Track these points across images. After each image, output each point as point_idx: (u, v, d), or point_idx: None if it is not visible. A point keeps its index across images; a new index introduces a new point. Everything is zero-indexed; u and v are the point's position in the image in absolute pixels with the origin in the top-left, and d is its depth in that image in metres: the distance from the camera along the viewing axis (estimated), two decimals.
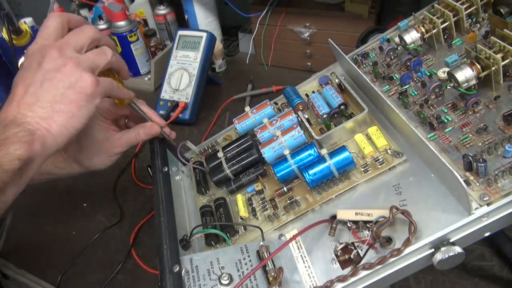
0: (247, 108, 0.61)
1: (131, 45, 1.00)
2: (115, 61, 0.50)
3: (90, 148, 0.55)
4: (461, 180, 0.37)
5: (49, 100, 0.44)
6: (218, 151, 0.58)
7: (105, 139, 0.56)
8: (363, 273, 0.40)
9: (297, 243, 0.46)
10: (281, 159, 0.51)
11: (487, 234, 0.40)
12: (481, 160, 0.40)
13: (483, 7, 0.54)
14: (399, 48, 0.59)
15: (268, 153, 0.52)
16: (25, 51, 0.48)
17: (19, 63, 0.93)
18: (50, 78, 0.44)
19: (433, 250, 0.39)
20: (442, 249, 0.39)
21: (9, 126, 0.41)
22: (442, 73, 0.50)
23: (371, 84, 0.50)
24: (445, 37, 0.55)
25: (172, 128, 0.61)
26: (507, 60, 0.45)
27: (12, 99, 0.44)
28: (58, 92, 0.44)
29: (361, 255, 0.41)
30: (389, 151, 0.48)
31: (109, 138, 0.56)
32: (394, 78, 0.55)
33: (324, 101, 0.56)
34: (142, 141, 0.59)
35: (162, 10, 1.07)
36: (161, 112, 0.87)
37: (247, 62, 1.09)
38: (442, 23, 0.54)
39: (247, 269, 0.42)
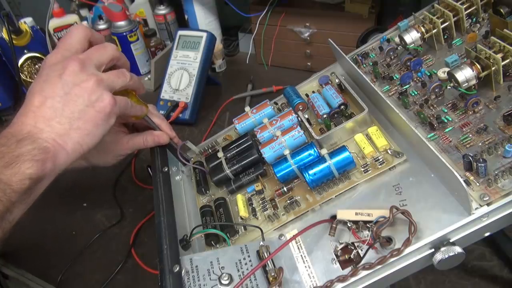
0: (247, 108, 0.61)
1: (131, 45, 1.00)
2: (132, 84, 0.51)
3: (99, 148, 0.55)
4: (461, 180, 0.37)
5: (68, 116, 0.43)
6: (218, 151, 0.58)
7: (114, 141, 0.57)
8: (363, 273, 0.40)
9: (297, 243, 0.46)
10: (281, 159, 0.51)
11: (487, 234, 0.40)
12: (481, 160, 0.40)
13: (483, 7, 0.54)
14: (399, 48, 0.59)
15: (268, 153, 0.52)
16: (42, 57, 0.48)
17: (19, 63, 0.93)
18: (70, 92, 0.44)
19: (433, 250, 0.39)
20: (442, 249, 0.39)
21: (23, 141, 0.40)
22: (442, 73, 0.50)
23: (371, 84, 0.50)
24: (445, 37, 0.55)
25: (172, 128, 0.61)
26: (507, 60, 0.45)
27: (28, 110, 0.43)
28: (77, 109, 0.44)
29: (361, 255, 0.41)
30: (389, 151, 0.48)
31: (118, 140, 0.57)
32: (394, 78, 0.55)
33: (324, 101, 0.56)
34: (149, 147, 0.60)
35: (162, 10, 1.07)
36: (161, 112, 0.87)
37: (247, 62, 1.09)
38: (442, 23, 0.54)
39: (247, 269, 0.42)
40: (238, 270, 0.42)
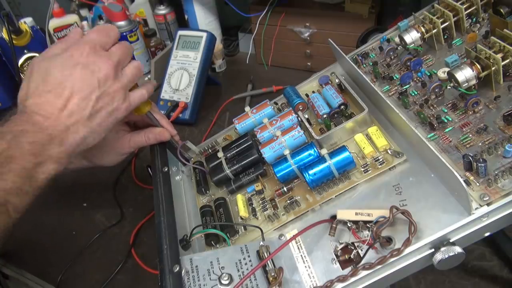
0: (247, 108, 0.61)
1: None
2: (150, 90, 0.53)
3: (101, 148, 0.56)
4: (461, 180, 0.37)
5: (95, 119, 0.46)
6: (218, 151, 0.58)
7: (115, 139, 0.57)
8: (363, 273, 0.40)
9: (297, 243, 0.46)
10: (281, 159, 0.51)
11: (487, 234, 0.40)
12: (481, 160, 0.40)
13: (483, 7, 0.54)
14: (399, 48, 0.59)
15: (268, 153, 0.52)
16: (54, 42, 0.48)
17: (19, 63, 0.93)
18: (102, 97, 0.46)
19: (433, 250, 0.39)
20: (442, 249, 0.39)
21: (53, 141, 0.43)
22: (442, 73, 0.50)
23: (371, 84, 0.50)
24: (445, 37, 0.55)
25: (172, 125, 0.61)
26: (507, 60, 0.45)
27: (62, 105, 0.44)
28: (103, 115, 0.46)
29: (361, 255, 0.41)
30: (389, 151, 0.48)
31: (120, 138, 0.57)
32: (394, 78, 0.55)
33: (324, 101, 0.56)
34: (151, 144, 0.60)
35: (162, 10, 1.07)
36: (161, 112, 0.87)
37: (247, 62, 1.09)
38: (442, 23, 0.54)
39: (247, 269, 0.42)
40: (238, 270, 0.42)
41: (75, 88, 0.44)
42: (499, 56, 0.45)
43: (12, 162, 0.39)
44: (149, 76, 1.03)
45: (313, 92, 0.60)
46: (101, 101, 0.46)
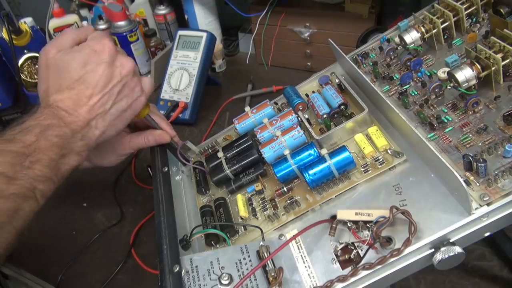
0: (247, 108, 0.61)
1: (131, 45, 1.00)
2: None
3: (101, 149, 0.56)
4: (461, 180, 0.37)
5: (113, 113, 0.48)
6: (218, 151, 0.58)
7: (116, 140, 0.57)
8: (363, 273, 0.40)
9: (297, 243, 0.46)
10: (281, 159, 0.51)
11: (487, 234, 0.40)
12: (481, 160, 0.40)
13: (483, 7, 0.54)
14: (399, 48, 0.59)
15: (268, 153, 0.52)
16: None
17: (19, 63, 0.93)
18: (123, 91, 0.48)
19: (433, 250, 0.39)
20: (442, 249, 0.39)
21: (77, 135, 0.45)
22: (442, 73, 0.50)
23: (371, 84, 0.50)
24: (445, 37, 0.55)
25: (172, 127, 0.61)
26: (507, 60, 0.45)
27: (82, 101, 0.46)
28: (121, 108, 0.49)
29: (361, 255, 0.41)
30: (389, 151, 0.48)
31: (120, 140, 0.58)
32: (394, 78, 0.55)
33: (324, 101, 0.56)
34: (151, 146, 0.60)
35: (162, 10, 1.07)
36: (161, 112, 0.87)
37: (247, 62, 1.09)
38: (442, 23, 0.54)
39: (247, 269, 0.42)
40: (238, 270, 0.42)
41: (99, 85, 0.46)
42: (499, 56, 0.45)
43: (40, 153, 0.42)
44: (149, 76, 1.03)
45: (313, 92, 0.60)
46: (121, 95, 0.48)
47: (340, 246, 0.43)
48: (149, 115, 0.57)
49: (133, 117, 0.52)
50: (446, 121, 0.47)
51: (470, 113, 0.46)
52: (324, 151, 0.48)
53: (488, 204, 0.38)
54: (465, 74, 0.46)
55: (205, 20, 1.06)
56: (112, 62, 0.47)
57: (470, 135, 0.44)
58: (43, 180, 0.42)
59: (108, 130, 0.48)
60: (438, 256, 0.39)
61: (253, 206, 0.52)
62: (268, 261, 0.42)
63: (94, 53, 0.47)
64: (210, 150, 0.63)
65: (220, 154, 0.57)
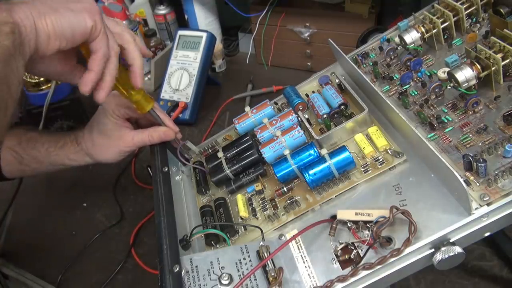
0: (247, 108, 0.61)
1: None
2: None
3: (103, 144, 0.56)
4: (461, 180, 0.37)
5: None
6: (218, 151, 0.58)
7: (118, 137, 0.57)
8: (363, 273, 0.40)
9: (297, 243, 0.46)
10: (281, 159, 0.51)
11: (487, 234, 0.40)
12: (481, 160, 0.40)
13: (483, 7, 0.54)
14: (399, 48, 0.59)
15: (268, 153, 0.52)
16: None
17: None
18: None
19: (433, 250, 0.39)
20: (442, 249, 0.39)
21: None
22: (442, 73, 0.50)
23: (371, 84, 0.50)
24: (445, 37, 0.55)
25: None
26: (507, 60, 0.45)
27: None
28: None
29: (361, 255, 0.41)
30: (389, 151, 0.48)
31: (122, 136, 0.57)
32: (394, 78, 0.55)
33: (324, 101, 0.56)
34: (154, 143, 0.59)
35: (162, 10, 1.07)
36: None
37: (247, 62, 1.09)
38: (442, 23, 0.54)
39: (247, 269, 0.42)
40: (238, 270, 0.42)
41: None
42: (499, 56, 0.45)
43: None
44: (149, 76, 1.03)
45: (313, 92, 0.60)
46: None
47: (340, 246, 0.43)
48: (154, 110, 0.56)
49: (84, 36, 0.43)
50: (446, 121, 0.47)
51: (470, 113, 0.46)
52: (324, 151, 0.48)
53: (488, 204, 0.38)
54: (465, 74, 0.46)
55: (205, 20, 1.06)
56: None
57: (470, 135, 0.44)
58: None
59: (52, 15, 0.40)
60: (438, 256, 0.39)
61: (253, 206, 0.52)
62: (268, 261, 0.42)
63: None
64: (210, 150, 0.63)
65: (220, 154, 0.57)
